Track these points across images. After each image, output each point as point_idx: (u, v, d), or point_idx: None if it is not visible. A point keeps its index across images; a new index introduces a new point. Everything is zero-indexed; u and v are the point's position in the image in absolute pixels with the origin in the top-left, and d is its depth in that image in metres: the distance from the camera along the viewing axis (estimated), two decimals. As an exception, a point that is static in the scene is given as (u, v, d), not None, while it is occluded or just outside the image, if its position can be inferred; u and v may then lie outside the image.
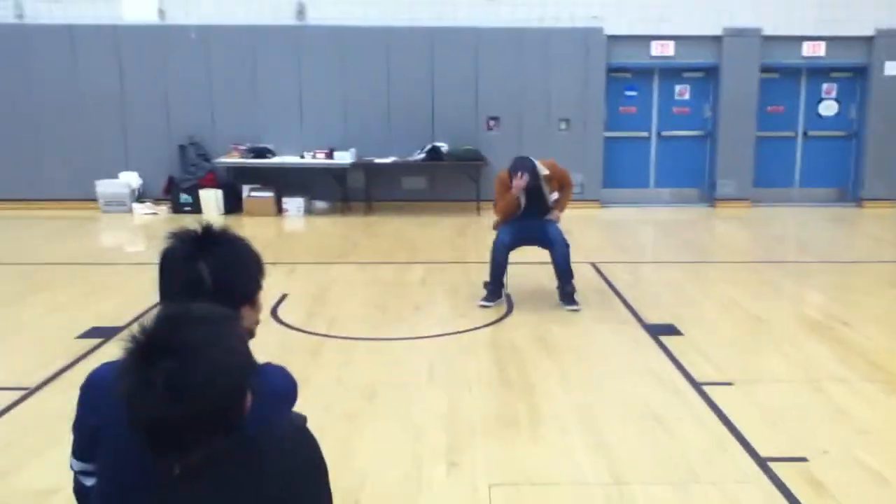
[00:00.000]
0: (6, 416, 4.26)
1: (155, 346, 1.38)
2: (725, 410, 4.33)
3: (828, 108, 12.15)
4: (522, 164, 6.24)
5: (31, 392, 4.58)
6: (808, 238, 10.26)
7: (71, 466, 1.83)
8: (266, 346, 5.45)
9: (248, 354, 1.52)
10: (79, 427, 1.79)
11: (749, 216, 11.30)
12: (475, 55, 11.39)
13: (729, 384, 4.76)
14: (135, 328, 1.42)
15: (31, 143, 11.33)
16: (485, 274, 6.66)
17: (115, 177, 11.28)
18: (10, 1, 11.13)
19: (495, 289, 6.46)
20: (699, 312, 6.34)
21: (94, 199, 11.22)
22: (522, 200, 6.29)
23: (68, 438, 1.84)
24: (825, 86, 12.09)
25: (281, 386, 1.92)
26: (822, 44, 11.67)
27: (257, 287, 1.88)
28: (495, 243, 6.46)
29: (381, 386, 4.75)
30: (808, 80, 12.07)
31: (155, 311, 1.46)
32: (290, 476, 1.49)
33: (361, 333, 5.79)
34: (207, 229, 1.85)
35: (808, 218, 11.27)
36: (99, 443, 1.72)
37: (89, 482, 1.79)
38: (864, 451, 3.86)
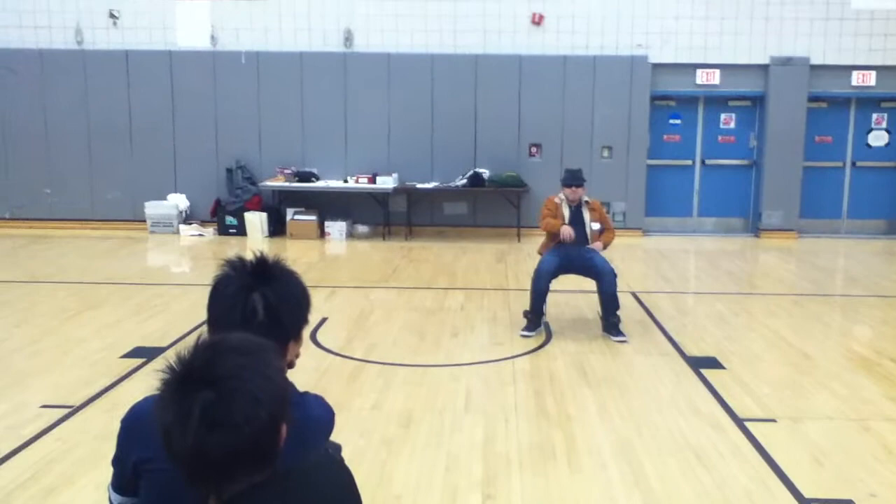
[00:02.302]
0: (51, 434, 4.34)
1: (192, 377, 1.37)
2: (768, 448, 4.24)
3: (877, 139, 11.92)
4: (574, 176, 6.42)
5: (75, 410, 4.68)
6: (857, 271, 10.02)
7: (110, 499, 1.84)
8: (305, 370, 5.49)
9: (285, 385, 1.51)
10: (120, 461, 1.79)
11: (795, 247, 11.10)
12: (518, 82, 11.44)
13: (773, 421, 4.66)
14: (171, 358, 1.41)
15: (85, 165, 11.66)
16: (524, 301, 6.63)
17: (164, 198, 11.54)
18: (71, 27, 11.52)
19: (535, 318, 6.42)
20: (743, 346, 6.23)
21: (143, 220, 11.48)
22: (566, 213, 6.34)
23: (110, 457, 1.84)
24: (875, 115, 11.88)
25: (319, 416, 1.93)
26: (872, 73, 11.48)
27: (305, 323, 1.90)
28: (538, 270, 6.42)
29: (418, 413, 4.74)
30: (858, 110, 11.87)
31: (192, 340, 1.47)
32: None
33: (399, 359, 5.80)
34: (262, 261, 1.86)
35: (856, 250, 11.03)
36: (142, 477, 1.73)
37: None
38: (913, 495, 3.75)
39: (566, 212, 6.43)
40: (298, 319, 1.87)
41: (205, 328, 1.83)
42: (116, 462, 1.81)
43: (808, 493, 3.73)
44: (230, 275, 1.84)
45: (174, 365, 1.40)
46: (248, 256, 1.87)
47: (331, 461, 1.72)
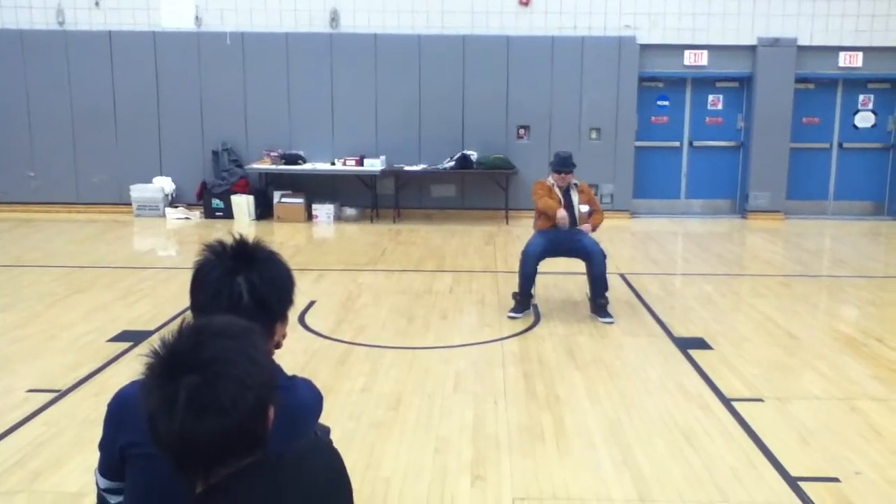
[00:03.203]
0: (38, 419, 4.31)
1: (177, 362, 1.36)
2: (756, 428, 4.27)
3: (864, 120, 11.96)
4: (565, 162, 6.37)
5: (62, 395, 4.64)
6: (843, 252, 10.08)
7: (97, 483, 1.83)
8: (293, 353, 5.49)
9: (271, 368, 1.49)
10: (107, 446, 1.78)
11: (782, 229, 11.15)
12: (506, 63, 11.38)
13: (760, 400, 4.69)
14: (156, 343, 1.40)
15: (69, 148, 11.54)
16: (513, 284, 6.64)
17: (150, 182, 11.44)
18: (52, 8, 11.36)
19: (524, 300, 6.43)
20: (730, 327, 6.26)
21: (129, 204, 11.39)
22: (561, 203, 6.34)
23: (97, 441, 1.84)
24: (862, 97, 11.91)
25: (307, 400, 1.92)
26: (859, 54, 11.50)
27: (291, 304, 1.89)
28: (524, 253, 6.43)
29: (407, 395, 4.74)
30: (845, 91, 11.89)
31: (176, 325, 1.45)
32: (313, 494, 1.48)
33: (388, 342, 5.80)
34: (243, 244, 1.85)
35: (843, 231, 11.09)
36: (127, 462, 1.72)
37: (114, 500, 1.80)
38: (898, 473, 3.78)
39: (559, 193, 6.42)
40: (284, 301, 1.86)
41: (190, 312, 1.81)
42: (103, 446, 1.80)
43: (794, 472, 3.76)
44: (212, 260, 1.82)
45: (159, 350, 1.39)
46: (228, 240, 1.85)
47: (320, 445, 1.72)
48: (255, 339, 1.48)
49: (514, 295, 6.48)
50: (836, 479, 3.69)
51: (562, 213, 6.25)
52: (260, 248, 1.87)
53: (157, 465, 1.51)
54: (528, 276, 6.38)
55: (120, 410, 1.76)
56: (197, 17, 11.37)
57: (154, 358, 1.38)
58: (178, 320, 1.46)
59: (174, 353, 1.38)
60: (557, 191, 6.41)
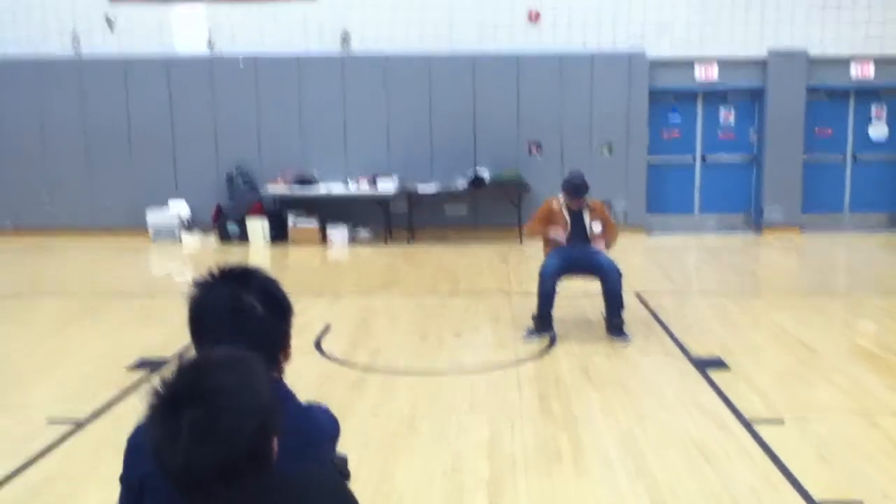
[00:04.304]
0: (58, 450, 4.33)
1: (178, 396, 1.39)
2: (775, 447, 4.22)
3: (878, 131, 11.89)
4: (577, 189, 6.30)
5: (81, 424, 4.66)
6: (860, 265, 9.99)
7: None
8: (310, 377, 5.48)
9: (272, 397, 1.51)
10: (125, 480, 1.81)
11: (798, 243, 11.07)
12: (517, 80, 11.42)
13: (779, 421, 4.63)
14: (155, 380, 1.43)
15: (85, 174, 11.65)
16: (528, 303, 6.61)
17: (165, 206, 11.51)
18: (67, 34, 11.51)
19: (542, 321, 6.35)
20: (747, 344, 6.21)
21: (145, 229, 11.45)
22: (567, 226, 6.31)
23: (115, 472, 1.84)
24: (874, 107, 11.84)
25: (324, 425, 1.95)
26: (871, 64, 11.45)
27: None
28: (541, 274, 6.35)
29: (423, 417, 4.73)
30: (857, 102, 11.84)
31: (175, 361, 1.47)
32: None
33: (403, 363, 5.79)
34: (230, 267, 1.89)
35: (859, 244, 10.99)
36: (146, 493, 1.73)
37: None
38: (922, 492, 3.73)
39: (566, 215, 6.38)
40: (290, 304, 1.90)
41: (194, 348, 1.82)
42: (123, 480, 1.82)
43: (817, 494, 3.70)
44: (209, 290, 1.85)
45: (159, 386, 1.42)
46: (213, 270, 1.87)
47: (325, 469, 1.73)
48: (256, 370, 1.50)
49: (534, 316, 6.43)
50: (860, 502, 3.64)
51: (553, 231, 6.25)
52: (245, 266, 1.92)
53: (173, 494, 1.53)
54: (546, 295, 6.31)
55: (138, 443, 1.77)
56: (210, 42, 11.51)
57: (155, 395, 1.41)
58: (178, 355, 1.49)
59: (175, 387, 1.41)
60: (566, 212, 6.36)
